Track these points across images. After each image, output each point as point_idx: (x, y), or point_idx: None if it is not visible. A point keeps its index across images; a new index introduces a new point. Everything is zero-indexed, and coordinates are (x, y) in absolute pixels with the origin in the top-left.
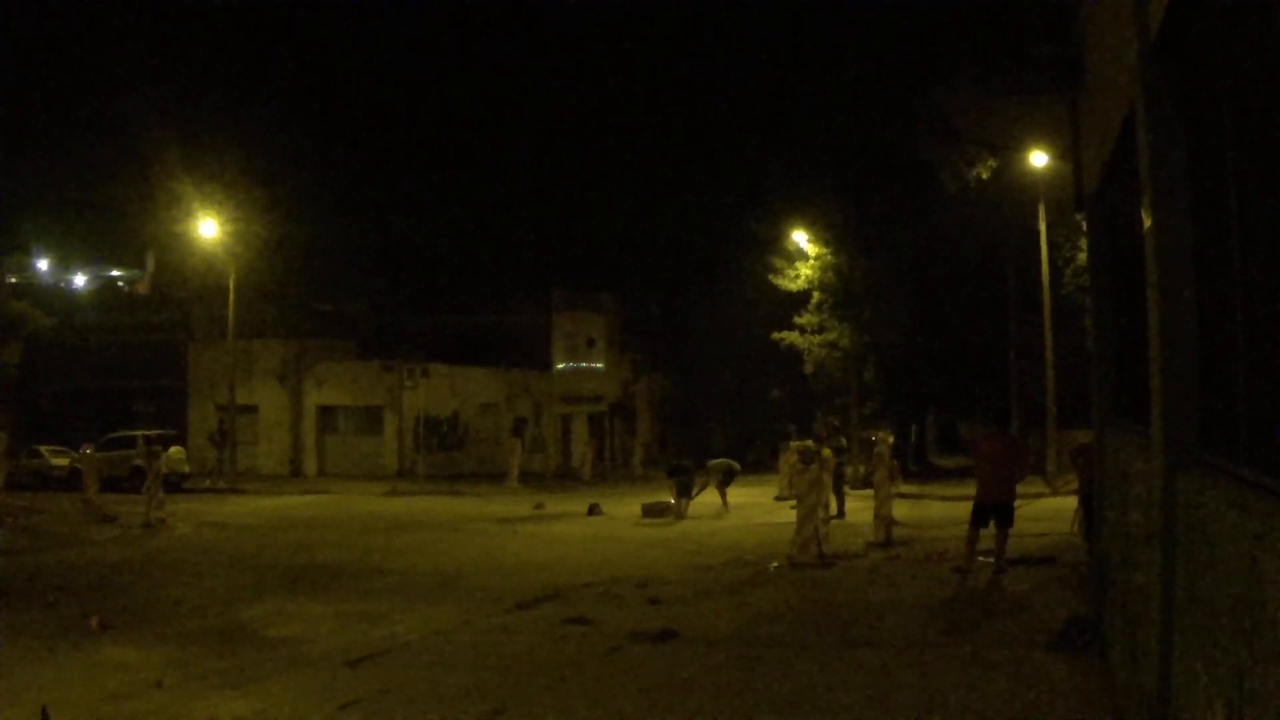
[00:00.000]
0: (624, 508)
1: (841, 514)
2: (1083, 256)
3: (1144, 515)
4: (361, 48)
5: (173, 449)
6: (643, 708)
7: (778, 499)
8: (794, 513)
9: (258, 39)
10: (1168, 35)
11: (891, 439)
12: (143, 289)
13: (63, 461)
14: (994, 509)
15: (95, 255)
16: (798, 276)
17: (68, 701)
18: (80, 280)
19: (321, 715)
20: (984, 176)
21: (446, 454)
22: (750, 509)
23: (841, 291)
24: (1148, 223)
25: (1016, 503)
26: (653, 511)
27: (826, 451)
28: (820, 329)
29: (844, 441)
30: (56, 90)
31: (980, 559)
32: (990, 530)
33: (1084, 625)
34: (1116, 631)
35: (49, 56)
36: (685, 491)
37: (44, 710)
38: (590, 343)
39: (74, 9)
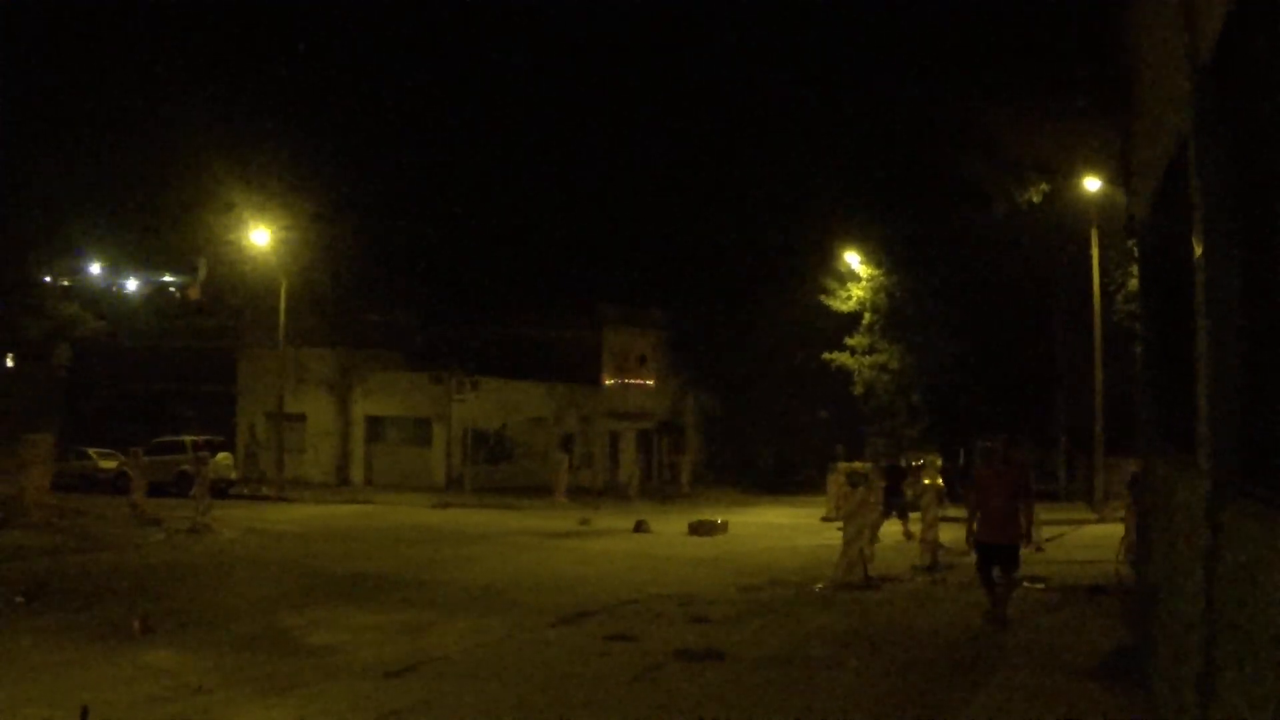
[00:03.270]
0: (671, 525)
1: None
2: (1134, 282)
3: (1188, 545)
4: (417, 60)
5: (220, 455)
6: None
7: (825, 520)
8: (840, 534)
9: (315, 52)
10: (1220, 59)
11: (940, 462)
12: (194, 295)
13: (110, 464)
14: (995, 550)
15: (147, 260)
16: (849, 297)
17: (108, 703)
18: (132, 285)
19: None
20: (1035, 200)
21: (494, 467)
22: (796, 530)
23: (892, 313)
24: (1198, 251)
25: (1060, 531)
26: (700, 529)
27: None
28: (871, 350)
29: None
30: (111, 95)
31: (1027, 584)
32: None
33: (1129, 654)
34: (1160, 661)
35: (104, 62)
36: (900, 510)
37: (84, 711)
38: (640, 359)
39: (129, 17)
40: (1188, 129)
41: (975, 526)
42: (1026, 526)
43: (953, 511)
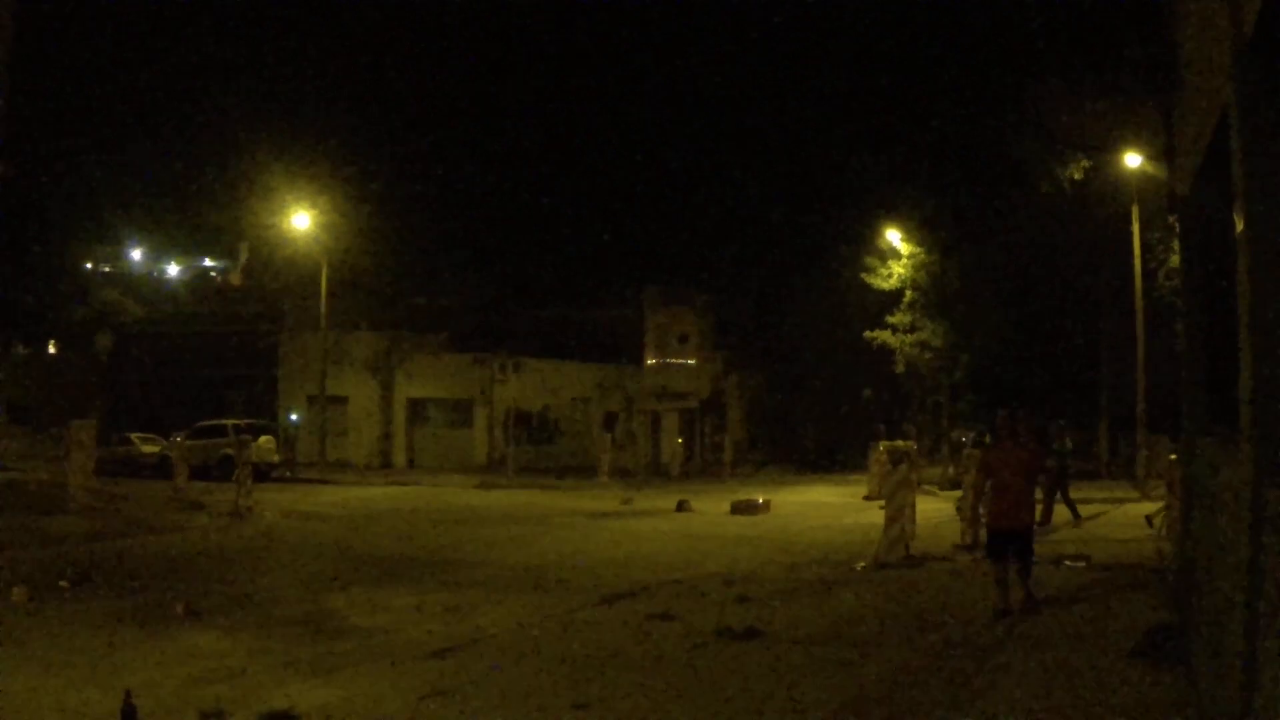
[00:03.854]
0: (713, 504)
1: (1076, 518)
2: (1176, 259)
3: (1231, 524)
4: (460, 44)
5: (262, 438)
6: (724, 706)
7: (867, 499)
8: (882, 512)
9: (357, 35)
10: (1262, 36)
11: (986, 439)
12: (235, 279)
13: (153, 449)
14: (1008, 537)
15: (188, 245)
16: (891, 275)
17: (152, 685)
18: (173, 270)
19: (405, 705)
20: (1077, 177)
21: (536, 448)
22: (838, 508)
23: (934, 291)
24: (1240, 226)
25: (1102, 509)
26: (742, 509)
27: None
28: (913, 328)
29: (1069, 444)
30: (153, 82)
31: (1068, 562)
32: (1059, 536)
33: (1168, 633)
34: (1201, 641)
35: (144, 52)
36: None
37: (127, 693)
38: (682, 339)
39: (172, 4)
40: (1230, 104)
41: (984, 510)
42: (1047, 508)
43: None
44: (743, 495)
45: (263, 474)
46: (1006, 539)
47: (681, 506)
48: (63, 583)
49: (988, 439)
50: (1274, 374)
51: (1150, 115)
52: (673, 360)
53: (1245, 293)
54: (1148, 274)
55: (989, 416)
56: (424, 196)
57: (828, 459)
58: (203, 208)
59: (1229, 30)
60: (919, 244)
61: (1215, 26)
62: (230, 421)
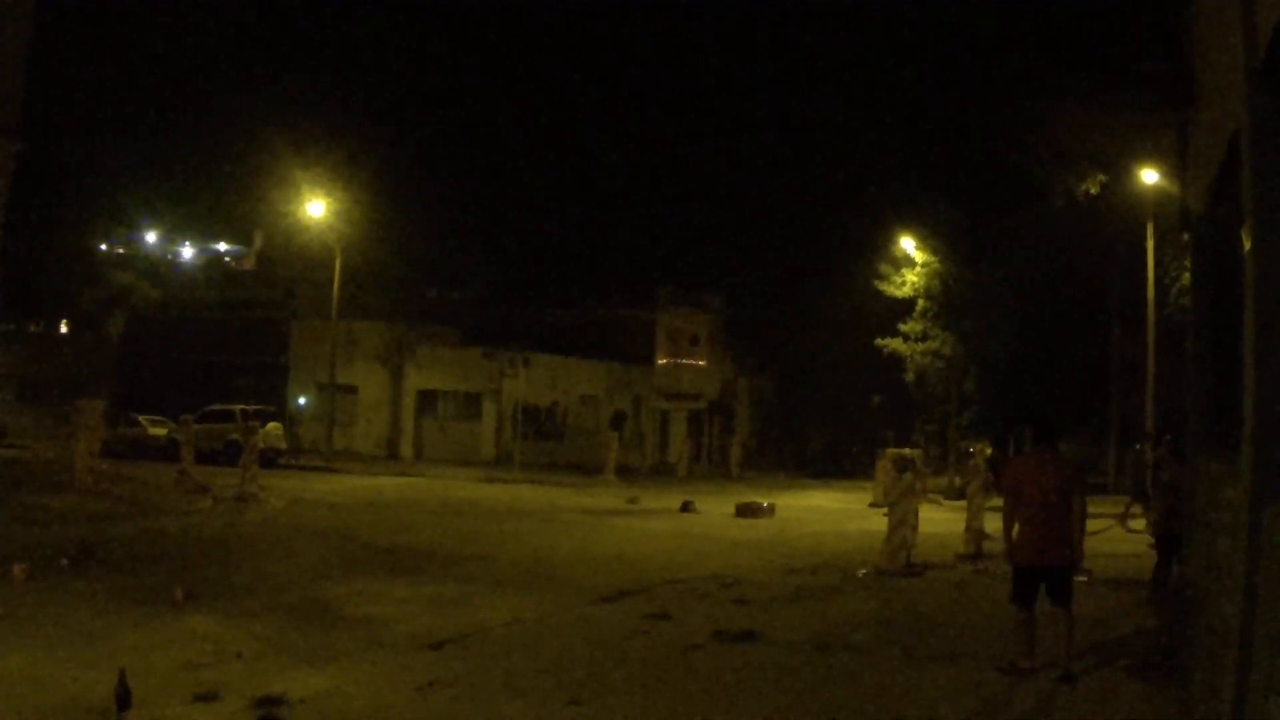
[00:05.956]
0: (718, 506)
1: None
2: (1188, 277)
3: (1230, 544)
4: (480, 38)
5: (270, 424)
6: (718, 707)
7: (871, 505)
8: (885, 520)
9: (378, 26)
10: (1275, 58)
11: (989, 450)
12: (249, 264)
13: (160, 431)
14: (1039, 575)
15: (203, 230)
16: (904, 283)
17: (147, 667)
18: (187, 253)
19: (399, 695)
20: (1093, 192)
21: (544, 443)
22: (843, 515)
23: (947, 300)
24: (1248, 245)
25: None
26: (746, 512)
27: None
28: (924, 337)
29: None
30: (170, 68)
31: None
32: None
33: (1166, 651)
34: (1197, 660)
35: (164, 37)
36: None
37: (122, 673)
38: (694, 340)
39: None
40: (1242, 122)
41: (1015, 538)
42: (1078, 540)
43: (999, 501)
44: (747, 498)
45: (269, 460)
46: (1036, 578)
47: (686, 507)
48: (63, 561)
49: (989, 451)
50: (1275, 394)
51: (1166, 132)
52: (683, 361)
53: (1251, 311)
54: (1161, 291)
55: (994, 429)
56: (440, 190)
57: (835, 464)
58: (218, 192)
59: (1242, 52)
60: (933, 253)
61: (1229, 48)
62: (238, 407)
